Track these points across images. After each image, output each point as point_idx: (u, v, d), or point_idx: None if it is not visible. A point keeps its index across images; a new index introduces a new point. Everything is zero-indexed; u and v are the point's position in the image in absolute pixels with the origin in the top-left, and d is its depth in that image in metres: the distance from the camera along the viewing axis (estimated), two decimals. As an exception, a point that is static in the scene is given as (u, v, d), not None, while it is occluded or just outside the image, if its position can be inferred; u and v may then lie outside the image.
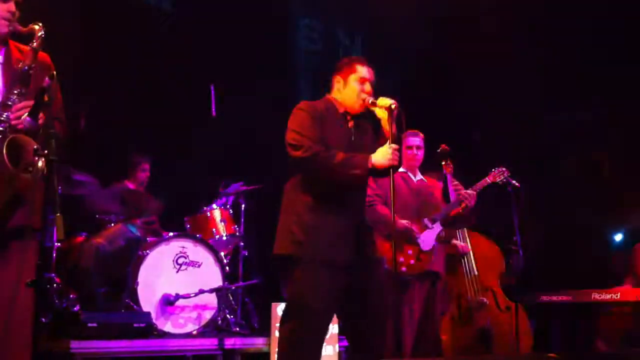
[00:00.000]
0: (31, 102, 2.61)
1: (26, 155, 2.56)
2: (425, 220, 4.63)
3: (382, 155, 3.18)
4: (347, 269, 3.21)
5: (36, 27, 2.76)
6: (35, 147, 2.54)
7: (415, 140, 4.84)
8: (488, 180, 5.00)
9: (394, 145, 3.18)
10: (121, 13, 6.09)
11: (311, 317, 3.19)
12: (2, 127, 2.61)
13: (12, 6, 2.77)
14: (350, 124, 3.42)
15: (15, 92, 2.67)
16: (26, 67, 2.70)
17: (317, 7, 7.29)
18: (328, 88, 3.51)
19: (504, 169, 4.97)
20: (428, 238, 4.60)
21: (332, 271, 3.18)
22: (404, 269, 4.46)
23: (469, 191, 4.77)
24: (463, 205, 4.72)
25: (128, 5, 6.34)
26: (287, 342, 3.21)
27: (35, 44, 2.73)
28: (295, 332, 3.19)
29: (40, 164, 2.47)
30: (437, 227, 4.67)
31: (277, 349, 3.28)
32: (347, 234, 3.24)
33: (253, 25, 6.68)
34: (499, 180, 5.00)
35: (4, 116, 2.63)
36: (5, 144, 2.55)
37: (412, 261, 4.56)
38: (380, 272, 3.37)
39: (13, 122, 2.61)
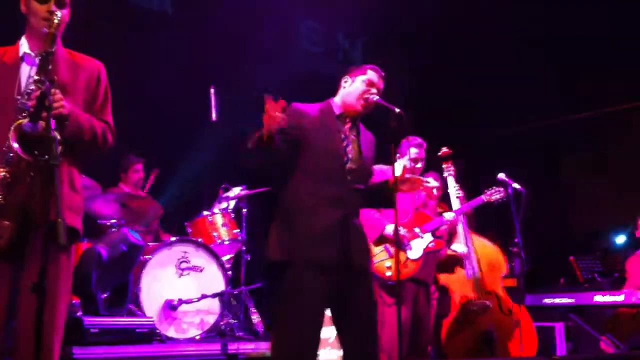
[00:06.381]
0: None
1: None
2: (417, 230, 4.64)
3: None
4: (333, 270, 3.07)
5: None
6: (35, 152, 2.51)
7: (419, 152, 4.79)
8: (483, 199, 5.00)
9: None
10: (122, 14, 6.08)
11: (295, 320, 3.04)
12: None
13: (51, 6, 2.73)
14: (348, 126, 3.28)
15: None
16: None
17: (318, 9, 7.28)
18: (328, 91, 3.39)
19: (500, 188, 4.96)
20: (417, 247, 4.61)
21: (313, 272, 3.03)
22: (389, 273, 4.46)
23: (450, 213, 4.89)
24: (447, 224, 4.86)
25: (128, 7, 6.33)
26: (274, 347, 3.10)
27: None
28: (280, 336, 3.07)
29: None
30: (428, 238, 4.67)
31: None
32: (331, 234, 3.09)
33: (254, 26, 6.68)
34: (493, 199, 4.99)
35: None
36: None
37: None
38: (370, 282, 3.26)
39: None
